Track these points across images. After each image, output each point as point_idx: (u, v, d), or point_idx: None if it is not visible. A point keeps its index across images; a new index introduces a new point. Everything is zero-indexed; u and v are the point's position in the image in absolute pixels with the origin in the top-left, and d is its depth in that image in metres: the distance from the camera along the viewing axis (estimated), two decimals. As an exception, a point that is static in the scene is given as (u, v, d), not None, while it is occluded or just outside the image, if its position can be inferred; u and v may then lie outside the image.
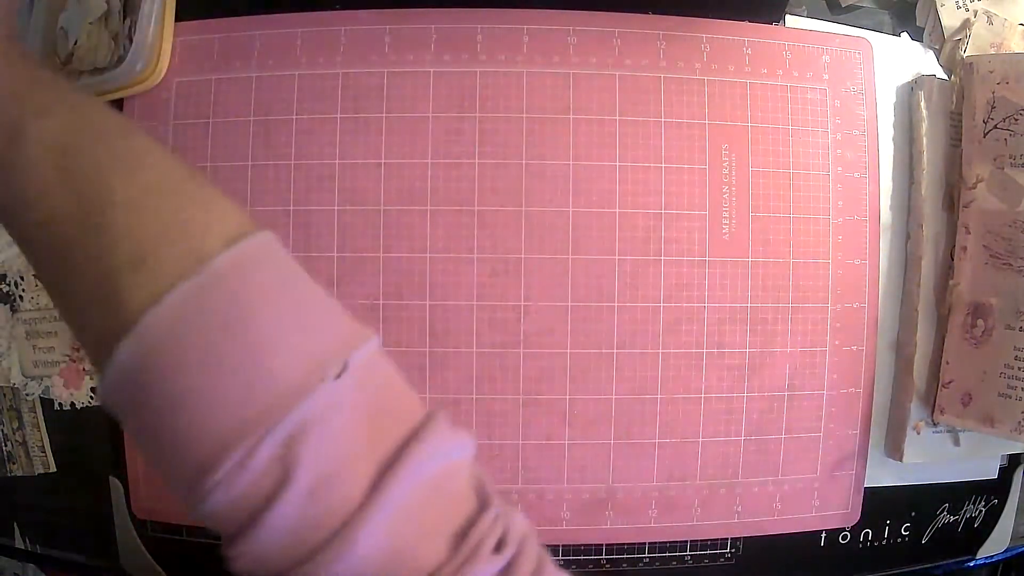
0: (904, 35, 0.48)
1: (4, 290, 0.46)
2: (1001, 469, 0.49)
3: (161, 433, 0.22)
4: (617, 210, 0.44)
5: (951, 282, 0.45)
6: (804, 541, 0.47)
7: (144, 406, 0.22)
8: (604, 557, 0.45)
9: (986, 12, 0.47)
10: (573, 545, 0.45)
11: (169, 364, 0.21)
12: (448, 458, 0.24)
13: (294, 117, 0.44)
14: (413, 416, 0.25)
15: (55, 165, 0.22)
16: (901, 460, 0.46)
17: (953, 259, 0.46)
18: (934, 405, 0.45)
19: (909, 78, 0.47)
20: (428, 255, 0.44)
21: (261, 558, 0.22)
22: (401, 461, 0.23)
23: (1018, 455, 0.49)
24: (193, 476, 0.21)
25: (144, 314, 0.21)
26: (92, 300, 0.22)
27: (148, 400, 0.22)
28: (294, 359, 0.22)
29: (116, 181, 0.23)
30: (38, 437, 0.47)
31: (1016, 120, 0.42)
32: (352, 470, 0.22)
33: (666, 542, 0.46)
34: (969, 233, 0.45)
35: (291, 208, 0.44)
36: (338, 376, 0.22)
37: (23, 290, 0.46)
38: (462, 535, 0.23)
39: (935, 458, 0.47)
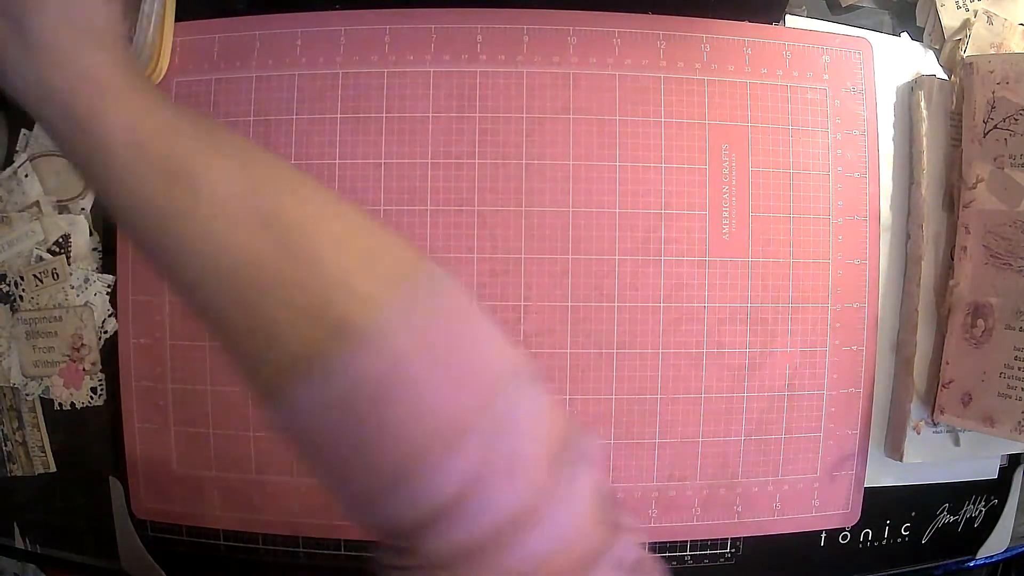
0: (904, 35, 0.48)
1: (4, 290, 0.46)
2: (1001, 469, 0.49)
3: (369, 435, 0.23)
4: (617, 210, 0.44)
5: (951, 282, 0.45)
6: (804, 541, 0.47)
7: (355, 410, 0.23)
8: (604, 557, 0.45)
9: (986, 12, 0.47)
10: (573, 545, 0.45)
11: (395, 365, 0.23)
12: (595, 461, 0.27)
13: (294, 117, 0.44)
14: (572, 426, 0.27)
15: (259, 221, 0.24)
16: (901, 460, 0.46)
17: (953, 259, 0.45)
18: (934, 405, 0.45)
19: (909, 78, 0.47)
20: (428, 255, 0.44)
21: (454, 544, 0.23)
22: (577, 461, 0.25)
23: (1018, 455, 0.49)
24: (405, 467, 0.23)
25: (375, 320, 0.22)
26: (295, 318, 0.23)
27: (363, 403, 0.23)
28: (498, 365, 0.25)
29: (324, 230, 0.24)
30: (38, 437, 0.47)
31: (1016, 120, 0.42)
32: (539, 464, 0.24)
33: (666, 542, 0.46)
34: (969, 233, 0.45)
35: (291, 208, 0.44)
36: (523, 385, 0.25)
37: (23, 290, 0.46)
38: (612, 524, 0.26)
39: (935, 458, 0.47)
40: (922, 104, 0.46)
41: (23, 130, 0.46)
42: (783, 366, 0.45)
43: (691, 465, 0.45)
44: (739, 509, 0.46)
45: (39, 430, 0.47)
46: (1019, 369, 0.42)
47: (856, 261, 0.46)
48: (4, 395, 0.47)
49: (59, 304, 0.46)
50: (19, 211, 0.46)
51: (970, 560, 0.50)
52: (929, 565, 0.49)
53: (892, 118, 0.47)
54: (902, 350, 0.47)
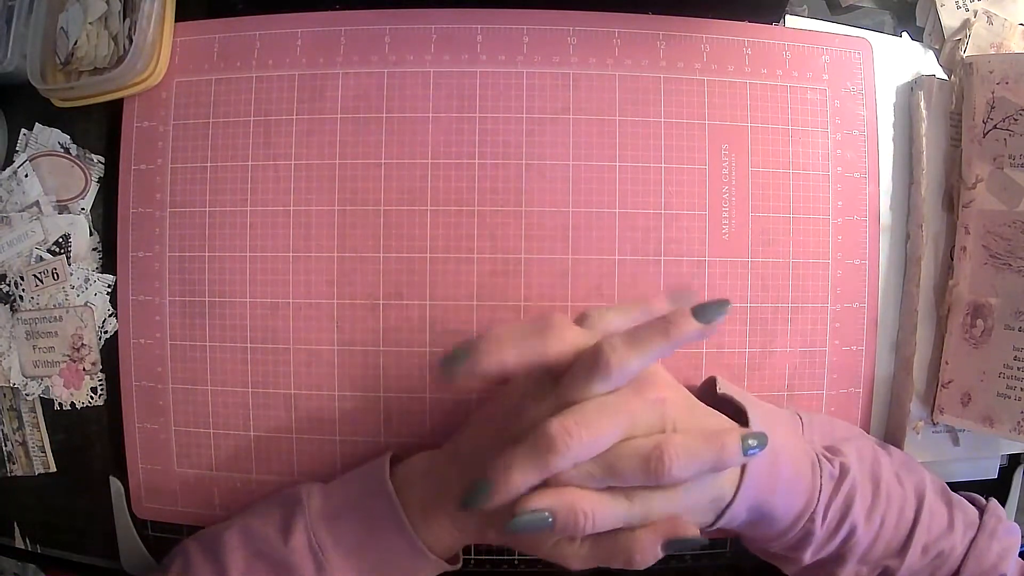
0: (904, 35, 0.48)
1: (4, 290, 0.46)
2: (1001, 469, 0.49)
3: (779, 520, 0.36)
4: (617, 210, 0.44)
5: (950, 282, 0.45)
6: (804, 541, 0.47)
7: (756, 517, 0.36)
8: (604, 557, 0.45)
9: (986, 12, 0.47)
10: (573, 545, 0.45)
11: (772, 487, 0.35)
12: None
13: (294, 117, 0.44)
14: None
15: None
16: (901, 460, 0.46)
17: (953, 259, 0.46)
18: (934, 405, 0.45)
19: (909, 78, 0.47)
20: (428, 255, 0.44)
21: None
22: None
23: (1018, 455, 0.49)
24: (795, 522, 0.36)
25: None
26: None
27: (758, 512, 0.36)
28: (810, 461, 0.38)
29: None
30: (38, 437, 0.47)
31: (1016, 120, 0.42)
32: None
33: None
34: (969, 233, 0.45)
35: (291, 208, 0.44)
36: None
37: (23, 290, 0.46)
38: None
39: (935, 458, 0.47)
40: (922, 104, 0.46)
41: (23, 130, 0.46)
42: (783, 366, 0.45)
43: (691, 465, 0.45)
44: (739, 509, 0.46)
45: (39, 430, 0.47)
46: (1019, 369, 0.42)
47: (856, 261, 0.46)
48: (4, 395, 0.47)
49: (59, 304, 0.46)
50: (19, 211, 0.46)
51: (970, 560, 0.50)
52: (929, 565, 0.49)
53: (892, 118, 0.47)
54: (902, 350, 0.47)
